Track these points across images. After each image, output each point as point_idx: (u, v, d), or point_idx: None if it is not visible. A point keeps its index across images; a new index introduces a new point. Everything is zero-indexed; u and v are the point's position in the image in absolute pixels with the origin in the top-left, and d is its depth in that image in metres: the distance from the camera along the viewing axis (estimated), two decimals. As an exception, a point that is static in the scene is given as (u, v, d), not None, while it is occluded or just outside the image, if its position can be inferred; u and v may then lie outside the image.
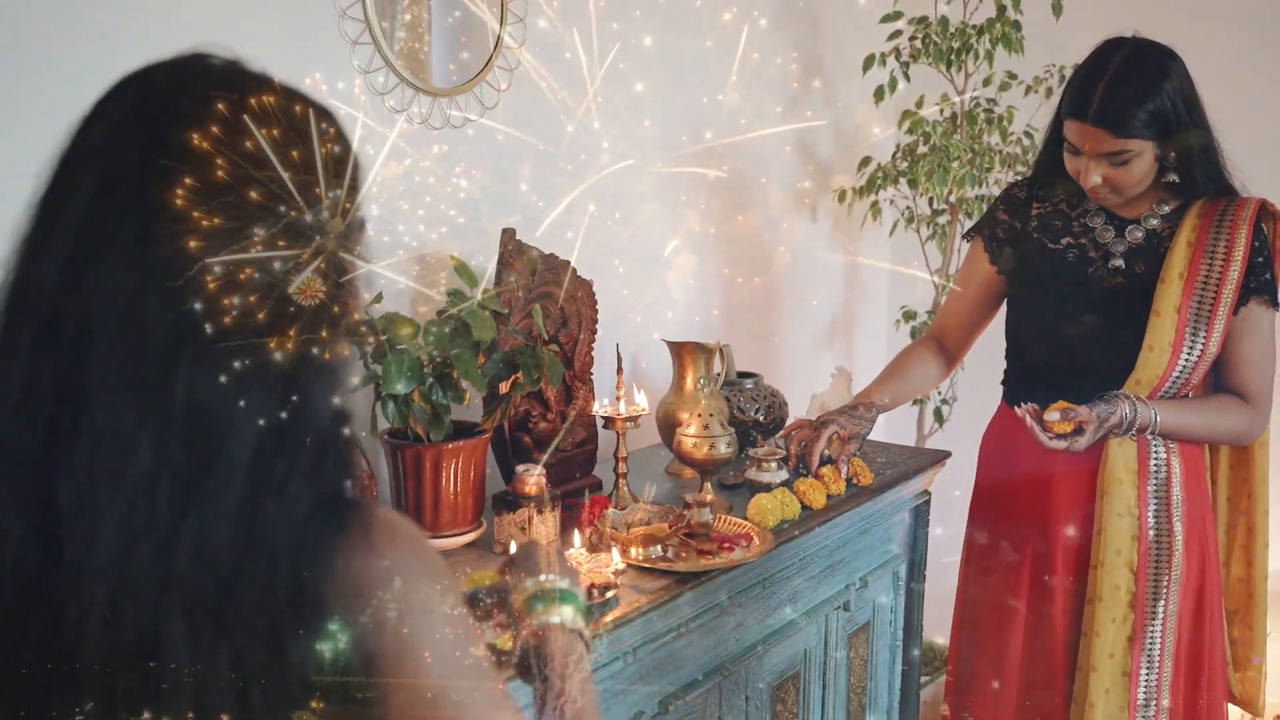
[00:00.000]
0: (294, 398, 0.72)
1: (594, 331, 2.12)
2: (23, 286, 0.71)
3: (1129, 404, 1.86)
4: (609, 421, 1.99)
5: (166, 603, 0.69)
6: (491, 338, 1.71)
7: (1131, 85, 1.81)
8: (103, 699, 0.69)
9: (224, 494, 0.69)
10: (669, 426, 2.25)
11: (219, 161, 0.69)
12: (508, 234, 1.95)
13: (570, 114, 2.30)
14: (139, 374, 0.68)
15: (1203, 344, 1.90)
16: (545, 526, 1.80)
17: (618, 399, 1.99)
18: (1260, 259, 1.90)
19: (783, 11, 2.94)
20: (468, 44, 2.09)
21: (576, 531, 1.74)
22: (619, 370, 1.99)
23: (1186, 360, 1.90)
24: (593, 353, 2.12)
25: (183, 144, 0.68)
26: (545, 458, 1.90)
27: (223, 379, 0.69)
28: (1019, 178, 2.93)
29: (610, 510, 1.85)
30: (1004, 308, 2.15)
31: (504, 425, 1.95)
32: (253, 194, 0.69)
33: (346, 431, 0.75)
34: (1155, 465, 1.94)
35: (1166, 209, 1.96)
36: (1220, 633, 2.06)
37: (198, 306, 0.68)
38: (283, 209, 0.71)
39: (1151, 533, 1.93)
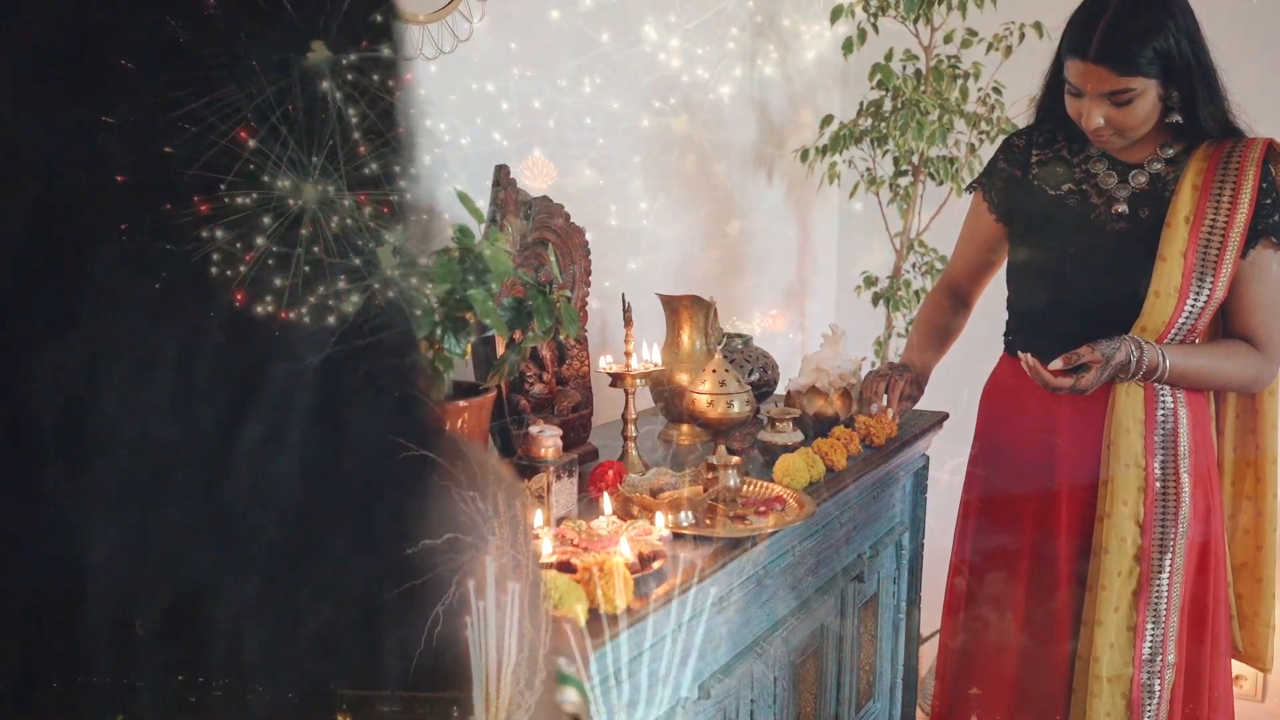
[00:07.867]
0: (371, 299, 0.54)
1: (588, 284, 1.92)
2: None
3: (1134, 344, 1.81)
4: (617, 379, 1.79)
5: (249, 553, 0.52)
6: (509, 275, 1.50)
7: (1134, 21, 1.75)
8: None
9: (290, 425, 0.51)
10: (663, 387, 2.07)
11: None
12: (502, 170, 1.73)
13: (533, 62, 2.10)
14: (166, 254, 0.48)
15: (1209, 289, 1.84)
16: (565, 494, 1.60)
17: (626, 354, 1.79)
18: (1269, 200, 1.85)
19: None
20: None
21: (607, 498, 1.54)
22: (627, 323, 1.79)
23: (1193, 306, 1.84)
24: (587, 308, 1.92)
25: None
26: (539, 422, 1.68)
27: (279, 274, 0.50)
28: (982, 136, 2.87)
29: (631, 475, 1.65)
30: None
31: (500, 387, 1.73)
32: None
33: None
34: (1163, 415, 1.88)
35: (1171, 152, 1.90)
36: (1225, 586, 2.01)
37: (236, 175, 0.48)
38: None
39: (1158, 484, 1.88)
